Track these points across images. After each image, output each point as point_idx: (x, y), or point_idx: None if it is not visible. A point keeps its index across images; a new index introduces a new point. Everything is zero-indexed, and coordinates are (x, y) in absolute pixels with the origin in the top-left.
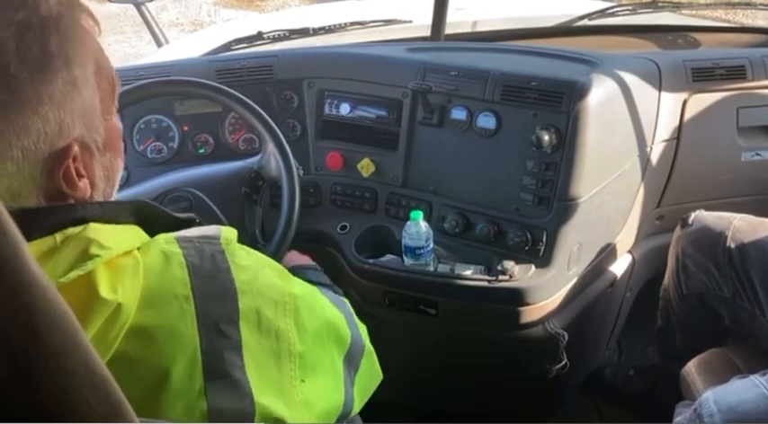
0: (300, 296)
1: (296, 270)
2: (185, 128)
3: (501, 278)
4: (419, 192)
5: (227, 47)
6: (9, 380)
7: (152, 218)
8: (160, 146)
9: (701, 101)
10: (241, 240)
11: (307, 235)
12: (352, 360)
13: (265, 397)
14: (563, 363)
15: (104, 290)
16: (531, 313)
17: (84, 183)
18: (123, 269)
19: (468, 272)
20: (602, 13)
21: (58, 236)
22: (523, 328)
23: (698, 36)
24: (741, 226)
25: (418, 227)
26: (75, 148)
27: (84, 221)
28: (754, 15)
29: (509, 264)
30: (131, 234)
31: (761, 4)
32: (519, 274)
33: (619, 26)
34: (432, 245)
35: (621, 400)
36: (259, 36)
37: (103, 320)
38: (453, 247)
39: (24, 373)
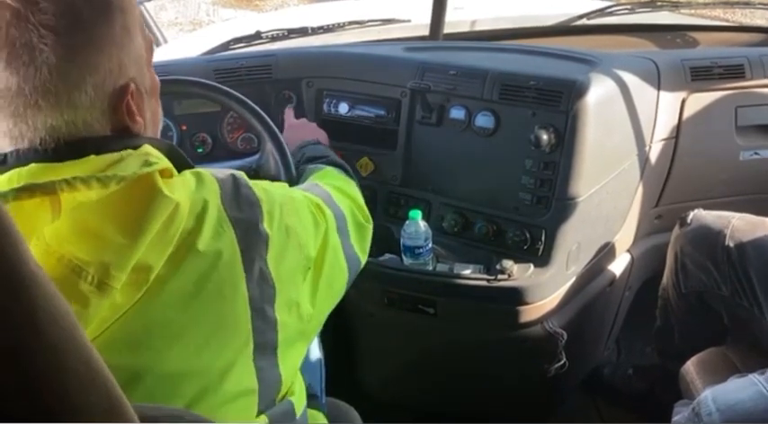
0: (297, 199)
1: (300, 146)
2: (184, 128)
3: (500, 277)
4: (418, 191)
5: (225, 46)
6: (9, 377)
7: (179, 160)
8: None
9: (700, 100)
10: None
11: None
12: (341, 231)
13: (282, 284)
14: (562, 362)
15: (165, 190)
16: (529, 313)
17: (140, 120)
18: (173, 181)
19: (467, 271)
20: (600, 12)
21: (123, 153)
22: (522, 327)
23: (696, 35)
24: (740, 225)
25: (417, 226)
26: (132, 86)
27: (139, 146)
28: (752, 14)
29: (508, 263)
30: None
31: (759, 4)
32: (518, 273)
33: (617, 25)
34: (431, 244)
35: (620, 399)
36: (258, 35)
37: (165, 216)
38: (452, 246)
39: (24, 370)
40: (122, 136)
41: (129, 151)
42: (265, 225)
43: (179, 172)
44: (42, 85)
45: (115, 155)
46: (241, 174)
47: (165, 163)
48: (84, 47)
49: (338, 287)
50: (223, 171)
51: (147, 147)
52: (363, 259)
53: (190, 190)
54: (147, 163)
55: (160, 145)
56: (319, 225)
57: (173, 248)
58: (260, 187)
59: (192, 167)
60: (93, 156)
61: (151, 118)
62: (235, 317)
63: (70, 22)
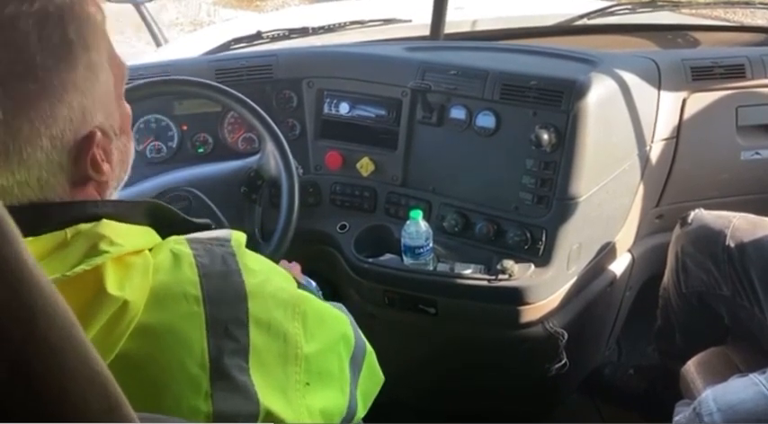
0: (308, 301)
1: None
2: (184, 128)
3: (500, 277)
4: (418, 191)
5: (226, 46)
6: (8, 378)
7: (166, 220)
8: (159, 146)
9: (701, 100)
10: None
11: (306, 235)
12: (355, 362)
13: (270, 400)
14: (562, 362)
15: (111, 286)
16: (530, 313)
17: (106, 167)
18: (133, 267)
19: (467, 271)
20: (601, 12)
21: (69, 231)
22: (523, 327)
23: (697, 35)
24: (740, 225)
25: (418, 226)
26: (99, 135)
27: (96, 218)
28: (753, 14)
29: (508, 263)
30: (143, 235)
31: (760, 3)
32: (518, 273)
33: (618, 25)
34: (431, 244)
35: (621, 399)
36: (258, 35)
37: (108, 316)
38: (453, 246)
39: (23, 370)
40: (71, 205)
41: (81, 228)
42: (250, 328)
43: (165, 231)
44: None
45: (59, 236)
46: (238, 246)
47: (123, 247)
48: (38, 97)
49: (335, 417)
50: (213, 247)
51: (105, 224)
52: (360, 413)
53: (156, 280)
54: (95, 252)
55: (130, 209)
56: (336, 340)
57: (119, 351)
58: (263, 279)
59: (187, 224)
60: (29, 240)
61: (120, 158)
62: None
63: (21, 70)
